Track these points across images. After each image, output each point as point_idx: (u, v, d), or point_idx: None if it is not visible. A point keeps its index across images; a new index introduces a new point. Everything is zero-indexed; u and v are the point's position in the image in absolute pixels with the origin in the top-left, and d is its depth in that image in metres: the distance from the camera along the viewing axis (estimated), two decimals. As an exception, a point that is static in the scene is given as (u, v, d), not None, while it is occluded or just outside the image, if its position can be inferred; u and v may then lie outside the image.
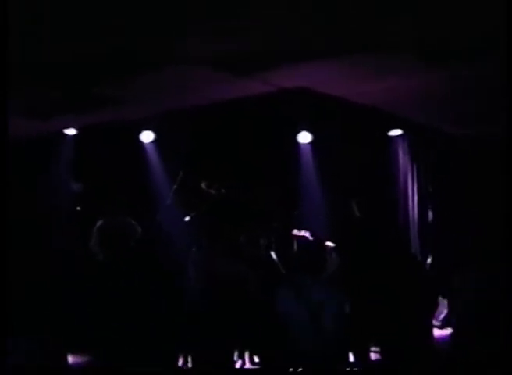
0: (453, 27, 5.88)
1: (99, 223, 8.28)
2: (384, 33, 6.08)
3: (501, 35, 5.26)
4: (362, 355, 7.05)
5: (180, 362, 7.29)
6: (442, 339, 9.21)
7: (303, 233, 7.99)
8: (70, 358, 7.95)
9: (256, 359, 7.92)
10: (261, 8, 5.30)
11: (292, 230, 10.58)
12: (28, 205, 10.23)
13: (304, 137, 10.85)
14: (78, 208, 10.17)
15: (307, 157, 11.10)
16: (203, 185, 9.84)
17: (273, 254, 9.10)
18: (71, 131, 10.25)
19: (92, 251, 8.55)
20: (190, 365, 7.44)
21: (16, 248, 9.47)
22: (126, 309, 7.11)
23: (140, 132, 10.52)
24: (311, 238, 7.56)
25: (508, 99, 5.27)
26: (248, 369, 7.81)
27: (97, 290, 7.62)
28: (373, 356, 7.45)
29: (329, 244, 7.74)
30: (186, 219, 9.70)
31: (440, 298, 10.38)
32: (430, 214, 10.85)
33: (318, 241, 7.82)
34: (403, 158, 11.10)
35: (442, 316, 10.33)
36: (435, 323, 10.10)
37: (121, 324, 6.96)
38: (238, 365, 7.73)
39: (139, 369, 6.27)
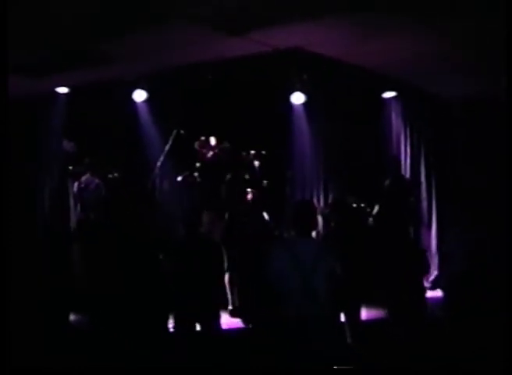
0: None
1: None
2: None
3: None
4: (353, 316, 7.11)
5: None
6: (433, 301, 9.31)
7: None
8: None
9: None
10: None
11: (285, 190, 10.68)
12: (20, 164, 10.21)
13: (298, 98, 10.79)
14: (70, 168, 10.12)
15: (301, 117, 11.08)
16: (196, 145, 9.84)
17: (265, 214, 9.13)
18: (63, 90, 10.17)
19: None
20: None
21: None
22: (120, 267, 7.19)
23: (133, 91, 10.45)
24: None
25: (507, 60, 5.23)
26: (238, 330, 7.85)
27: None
28: (364, 316, 7.51)
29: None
30: (179, 178, 9.71)
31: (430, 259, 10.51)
32: (422, 174, 10.89)
33: (309, 202, 7.84)
34: (396, 120, 11.10)
35: (432, 277, 10.42)
36: (425, 284, 10.21)
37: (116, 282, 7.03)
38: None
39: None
